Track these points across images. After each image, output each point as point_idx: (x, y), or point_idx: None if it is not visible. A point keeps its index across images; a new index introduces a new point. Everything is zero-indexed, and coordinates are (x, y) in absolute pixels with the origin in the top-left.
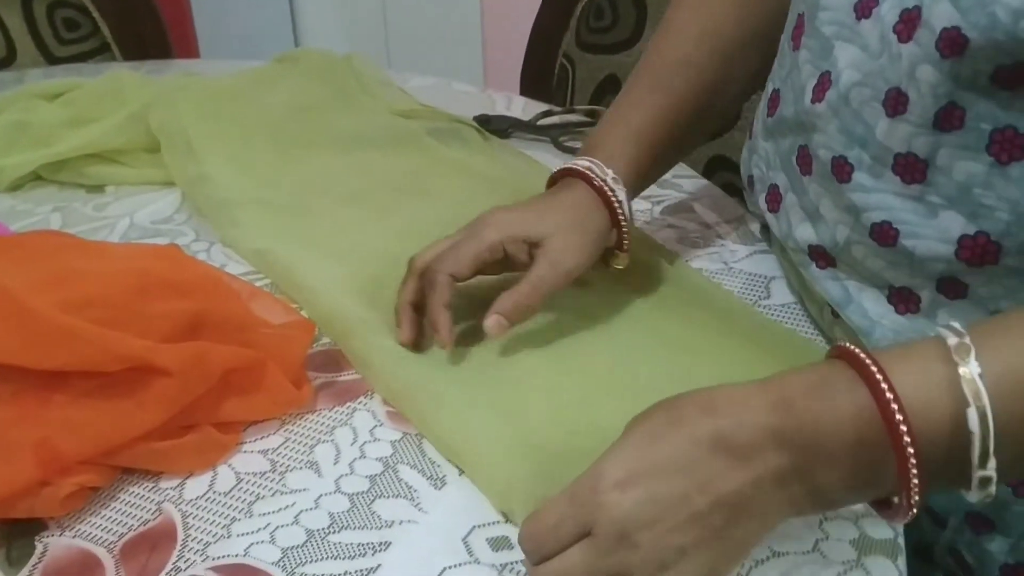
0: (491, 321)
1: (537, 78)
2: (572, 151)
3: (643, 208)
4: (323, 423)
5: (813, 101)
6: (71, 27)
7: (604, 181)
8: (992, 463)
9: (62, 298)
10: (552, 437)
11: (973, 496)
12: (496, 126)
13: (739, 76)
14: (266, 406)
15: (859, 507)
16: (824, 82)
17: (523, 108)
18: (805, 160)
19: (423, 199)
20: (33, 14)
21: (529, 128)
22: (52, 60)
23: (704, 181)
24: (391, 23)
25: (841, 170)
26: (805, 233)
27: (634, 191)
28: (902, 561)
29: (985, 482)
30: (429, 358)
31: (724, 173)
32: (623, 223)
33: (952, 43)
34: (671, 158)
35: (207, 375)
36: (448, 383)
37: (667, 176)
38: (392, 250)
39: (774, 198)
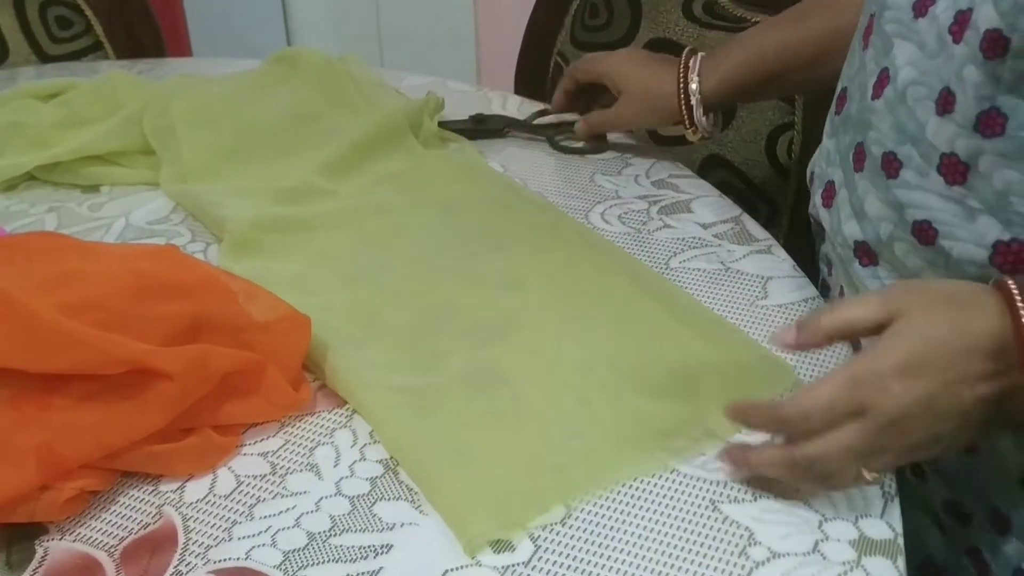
0: (579, 125)
1: (532, 77)
2: (568, 150)
3: (640, 208)
4: (322, 425)
5: (873, 97)
6: (64, 25)
7: (688, 67)
8: None
9: (61, 300)
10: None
11: None
12: (492, 125)
13: None
14: (265, 408)
15: (860, 507)
16: (883, 79)
17: (519, 107)
18: (860, 156)
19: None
20: (25, 12)
21: (525, 127)
22: (45, 58)
23: (701, 180)
24: (384, 21)
25: (890, 166)
26: (852, 229)
27: (721, 96)
28: (902, 562)
29: None
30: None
31: (719, 172)
32: (682, 96)
33: (994, 44)
34: (771, 85)
35: (207, 378)
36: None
37: (663, 176)
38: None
39: (829, 194)
